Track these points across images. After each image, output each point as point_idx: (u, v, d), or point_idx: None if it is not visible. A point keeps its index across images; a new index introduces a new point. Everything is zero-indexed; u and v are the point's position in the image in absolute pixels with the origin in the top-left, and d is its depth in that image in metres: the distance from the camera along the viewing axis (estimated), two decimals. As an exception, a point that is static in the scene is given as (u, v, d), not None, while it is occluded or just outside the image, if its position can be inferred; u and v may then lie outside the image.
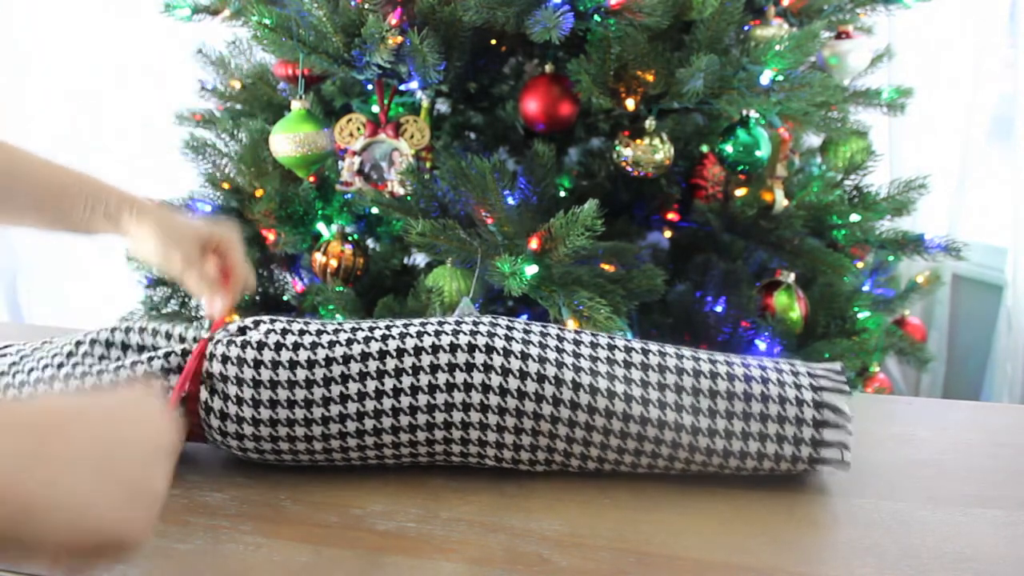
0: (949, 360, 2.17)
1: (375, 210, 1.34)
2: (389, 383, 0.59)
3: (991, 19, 1.92)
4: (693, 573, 0.52)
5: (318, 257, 1.31)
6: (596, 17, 1.11)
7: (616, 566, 0.52)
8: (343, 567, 0.52)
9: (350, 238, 1.32)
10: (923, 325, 1.82)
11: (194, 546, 0.54)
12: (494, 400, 0.58)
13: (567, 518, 0.57)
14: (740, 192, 1.46)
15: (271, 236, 1.44)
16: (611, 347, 0.62)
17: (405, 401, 0.59)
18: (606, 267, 1.16)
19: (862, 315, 1.45)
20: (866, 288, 1.60)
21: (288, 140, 1.19)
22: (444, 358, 0.59)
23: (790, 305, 1.33)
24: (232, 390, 0.59)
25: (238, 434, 0.61)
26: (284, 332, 0.61)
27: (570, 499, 0.60)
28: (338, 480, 0.62)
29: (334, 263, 1.30)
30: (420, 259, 1.49)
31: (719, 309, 1.34)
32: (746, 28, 1.31)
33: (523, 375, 0.58)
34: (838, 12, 1.41)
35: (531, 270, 1.04)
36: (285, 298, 1.49)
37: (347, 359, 0.60)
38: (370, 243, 1.46)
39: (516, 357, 0.59)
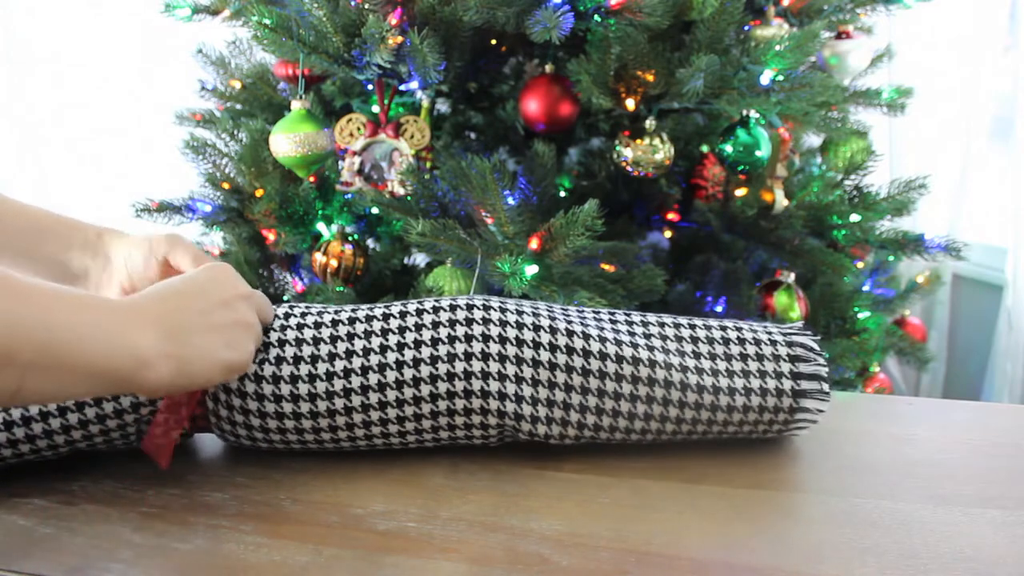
0: (949, 360, 2.17)
1: (375, 210, 1.34)
2: (393, 339, 0.62)
3: (991, 19, 1.92)
4: (693, 573, 0.52)
5: (318, 257, 1.31)
6: (596, 17, 1.11)
7: (616, 566, 0.52)
8: (343, 567, 0.52)
9: (350, 238, 1.32)
10: (923, 325, 1.82)
11: (194, 546, 0.54)
12: (494, 348, 0.62)
13: (567, 518, 0.58)
14: (740, 192, 1.46)
15: (271, 236, 1.44)
16: (596, 313, 0.68)
17: (408, 354, 0.62)
18: (606, 267, 1.16)
19: (862, 315, 1.45)
20: (866, 288, 1.60)
21: (288, 140, 1.19)
22: (444, 316, 0.64)
23: (790, 305, 1.33)
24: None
25: (240, 423, 0.61)
26: (300, 327, 0.64)
27: (570, 499, 0.60)
28: (338, 480, 0.62)
29: (334, 263, 1.30)
30: (420, 259, 1.49)
31: (719, 309, 1.34)
32: (746, 28, 1.31)
33: (519, 325, 0.63)
34: (838, 12, 1.41)
35: (531, 270, 1.04)
36: (285, 298, 1.50)
37: (351, 336, 0.63)
38: (370, 243, 1.46)
39: (512, 313, 0.64)
